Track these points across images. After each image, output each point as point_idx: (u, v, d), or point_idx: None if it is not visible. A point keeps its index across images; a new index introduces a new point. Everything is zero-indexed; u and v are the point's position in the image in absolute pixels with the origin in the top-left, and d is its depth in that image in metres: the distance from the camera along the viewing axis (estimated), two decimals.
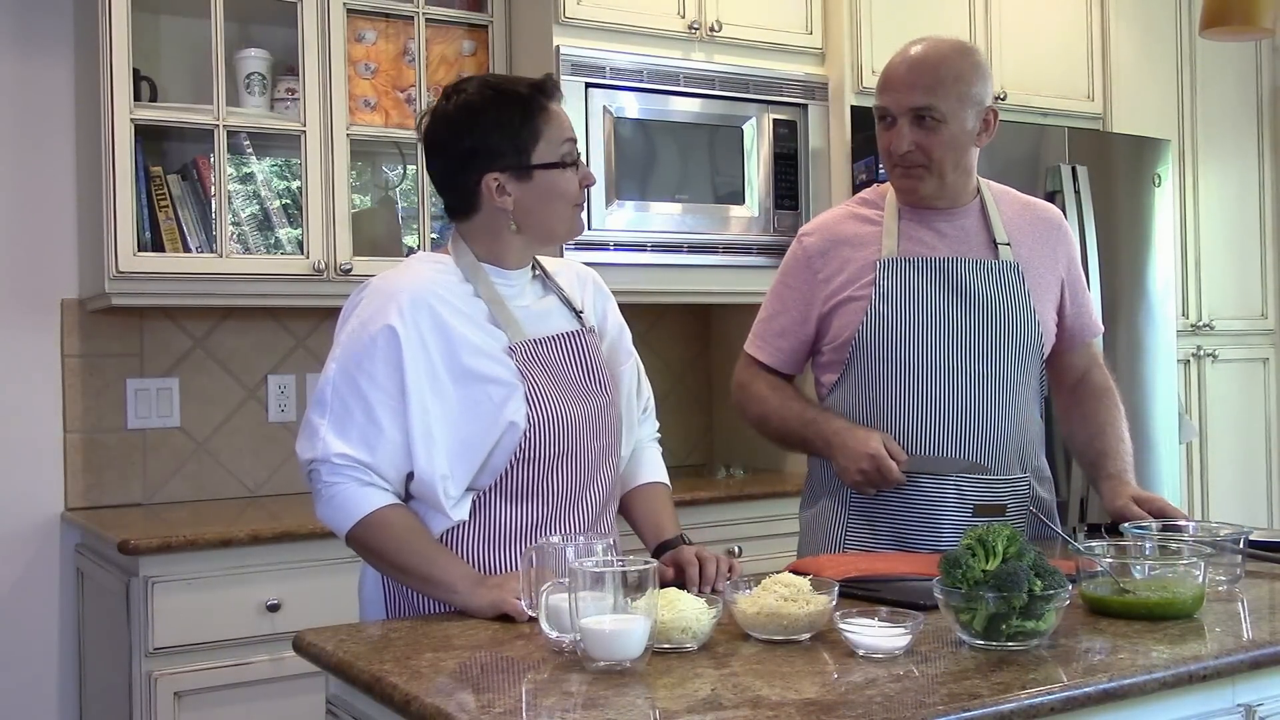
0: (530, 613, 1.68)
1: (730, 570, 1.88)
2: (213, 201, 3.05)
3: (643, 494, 2.09)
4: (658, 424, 2.18)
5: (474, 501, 1.87)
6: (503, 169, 1.87)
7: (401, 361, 1.80)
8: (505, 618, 1.73)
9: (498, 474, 1.86)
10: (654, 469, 2.12)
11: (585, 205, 1.99)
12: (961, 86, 2.13)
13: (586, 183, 1.94)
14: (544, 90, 1.91)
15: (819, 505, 2.29)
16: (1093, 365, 2.37)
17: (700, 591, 1.80)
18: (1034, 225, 2.29)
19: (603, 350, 2.02)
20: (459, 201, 1.93)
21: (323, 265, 3.11)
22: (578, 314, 2.00)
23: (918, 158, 2.15)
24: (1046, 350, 2.26)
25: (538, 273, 2.01)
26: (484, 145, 1.87)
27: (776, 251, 2.47)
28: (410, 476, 1.85)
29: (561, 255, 3.20)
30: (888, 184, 2.29)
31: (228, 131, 3.08)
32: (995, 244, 2.23)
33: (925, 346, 2.16)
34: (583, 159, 1.96)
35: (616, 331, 2.09)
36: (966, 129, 2.16)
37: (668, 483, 2.12)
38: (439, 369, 1.82)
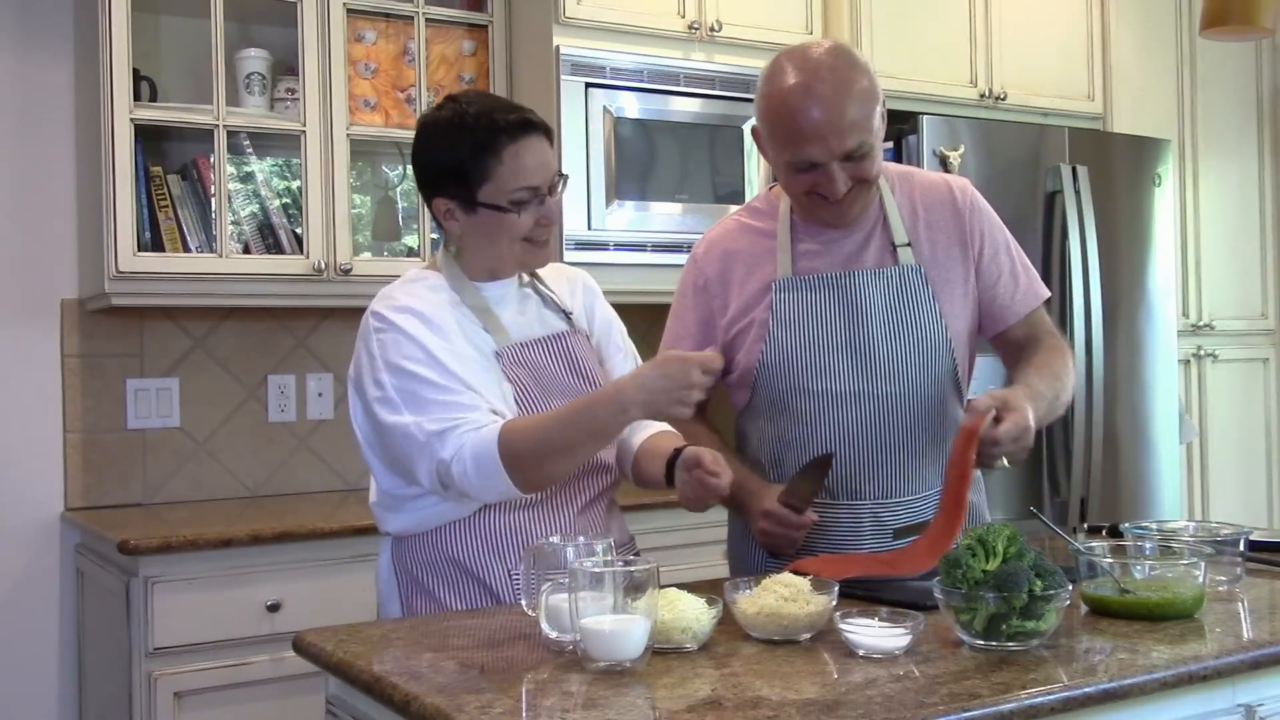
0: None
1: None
2: (213, 201, 3.06)
3: (646, 442, 2.02)
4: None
5: None
6: (451, 196, 1.89)
7: (424, 340, 1.83)
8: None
9: None
10: (656, 426, 2.06)
11: (549, 239, 1.95)
12: (876, 105, 1.95)
13: (544, 222, 1.90)
14: (508, 130, 1.85)
15: (739, 533, 2.19)
16: (1038, 332, 2.13)
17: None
18: (934, 212, 2.09)
19: (593, 346, 2.03)
20: (430, 211, 1.96)
21: (323, 265, 3.11)
22: (567, 316, 2.01)
23: (853, 188, 1.97)
24: (962, 347, 2.08)
25: (526, 281, 2.01)
26: (433, 171, 1.90)
27: None
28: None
29: (561, 258, 3.21)
30: (779, 189, 2.12)
31: (228, 131, 3.08)
32: (895, 246, 2.06)
33: (829, 369, 2.02)
34: (549, 201, 1.90)
35: (605, 327, 2.09)
36: (882, 138, 2.00)
37: (675, 430, 2.05)
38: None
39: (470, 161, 1.85)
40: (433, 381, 1.80)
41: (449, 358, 1.82)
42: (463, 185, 1.86)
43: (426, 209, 1.97)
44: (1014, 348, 2.13)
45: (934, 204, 2.10)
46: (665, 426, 2.06)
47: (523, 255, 1.92)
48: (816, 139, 1.91)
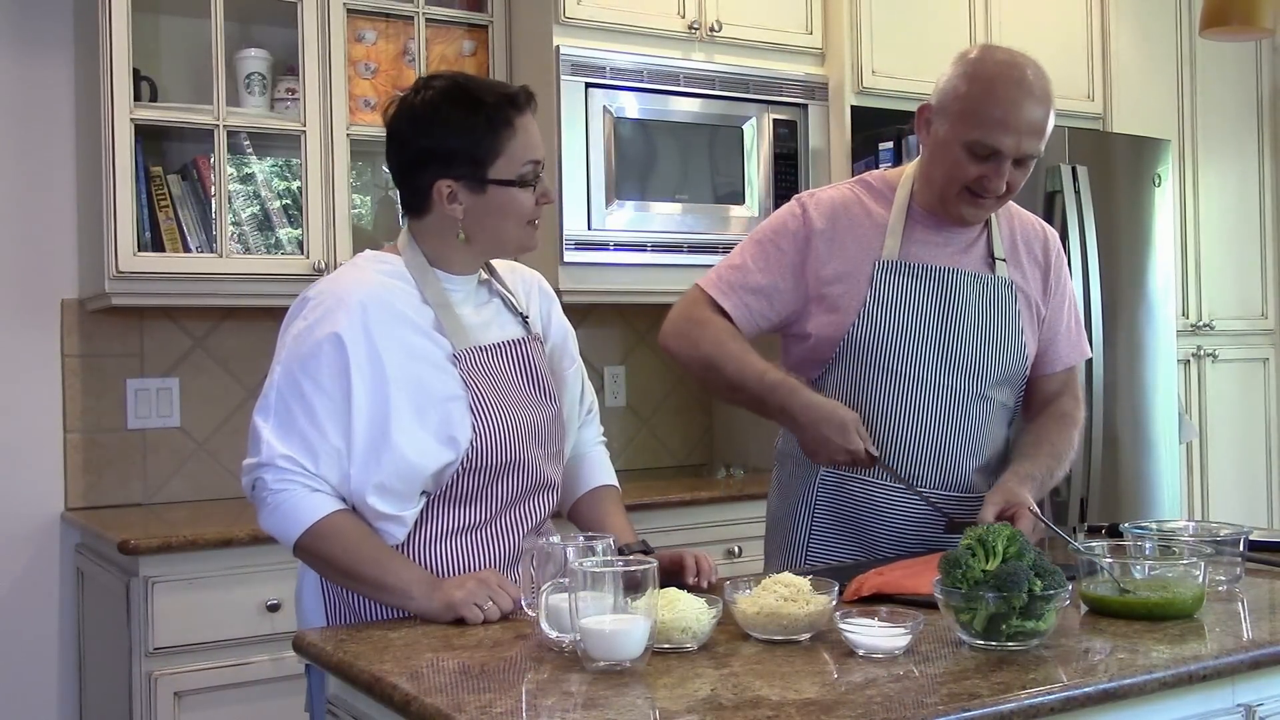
0: (486, 615, 1.70)
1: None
2: (213, 201, 3.06)
3: (592, 498, 2.05)
4: (602, 428, 2.14)
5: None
6: (457, 177, 1.81)
7: (348, 369, 1.75)
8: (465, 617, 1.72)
9: (444, 483, 1.82)
10: (602, 472, 2.09)
11: (540, 221, 1.91)
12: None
13: (544, 201, 1.87)
14: (514, 103, 1.83)
15: (787, 504, 2.21)
16: (1065, 393, 2.23)
17: (697, 585, 1.83)
18: (1029, 243, 2.21)
19: (546, 355, 1.98)
20: (411, 199, 1.88)
21: (323, 265, 3.11)
22: (523, 319, 1.96)
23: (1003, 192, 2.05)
24: (1028, 371, 2.19)
25: (485, 277, 1.96)
26: (441, 150, 1.81)
27: None
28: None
29: (561, 258, 3.21)
30: (899, 171, 2.19)
31: (228, 131, 3.08)
32: (993, 259, 2.16)
33: (915, 357, 2.08)
34: (544, 179, 1.87)
35: (560, 336, 2.05)
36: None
37: (617, 485, 2.10)
38: (387, 380, 1.77)
39: (484, 135, 1.80)
40: (314, 413, 1.75)
41: (350, 399, 1.75)
42: (473, 163, 1.81)
43: (410, 194, 1.87)
44: (1042, 397, 2.22)
45: (1029, 237, 2.22)
46: (609, 480, 2.08)
47: (524, 236, 1.88)
48: (1015, 130, 1.99)
